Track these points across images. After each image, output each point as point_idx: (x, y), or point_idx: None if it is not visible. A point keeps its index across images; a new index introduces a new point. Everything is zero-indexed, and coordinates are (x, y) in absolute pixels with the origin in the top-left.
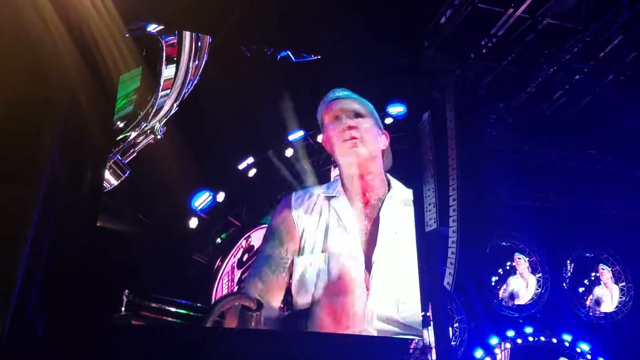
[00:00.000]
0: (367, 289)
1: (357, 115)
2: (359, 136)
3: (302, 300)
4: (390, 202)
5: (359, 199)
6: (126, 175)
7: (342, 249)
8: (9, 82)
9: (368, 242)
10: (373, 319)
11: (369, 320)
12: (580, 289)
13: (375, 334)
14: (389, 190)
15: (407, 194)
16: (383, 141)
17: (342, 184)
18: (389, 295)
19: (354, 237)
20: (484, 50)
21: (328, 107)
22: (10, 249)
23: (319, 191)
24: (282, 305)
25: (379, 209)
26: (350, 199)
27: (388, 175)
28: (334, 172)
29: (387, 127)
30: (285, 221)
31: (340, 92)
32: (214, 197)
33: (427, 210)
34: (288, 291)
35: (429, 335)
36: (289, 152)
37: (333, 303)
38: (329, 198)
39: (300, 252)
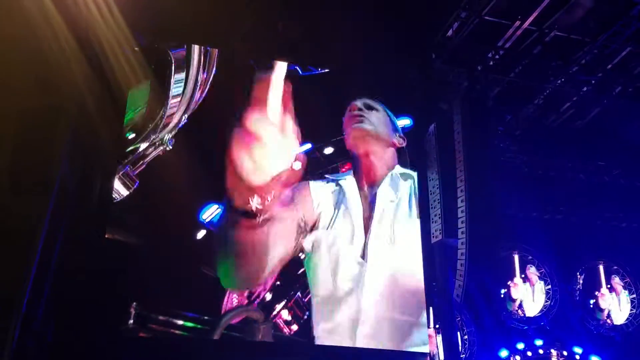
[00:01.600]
0: (364, 259)
1: (369, 107)
2: (366, 115)
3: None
4: (389, 178)
5: (364, 178)
6: (135, 186)
7: (344, 225)
8: (19, 93)
9: (367, 214)
10: (370, 290)
11: (366, 293)
12: (591, 301)
13: (371, 309)
14: (391, 170)
15: (408, 171)
16: (396, 138)
17: (353, 168)
18: (386, 266)
19: (356, 211)
20: (491, 63)
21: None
22: (20, 258)
23: (332, 177)
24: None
25: (379, 184)
26: (357, 180)
27: None
28: None
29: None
30: (300, 190)
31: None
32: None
33: (432, 222)
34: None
35: (438, 347)
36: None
37: (333, 278)
38: (339, 181)
39: (316, 226)
